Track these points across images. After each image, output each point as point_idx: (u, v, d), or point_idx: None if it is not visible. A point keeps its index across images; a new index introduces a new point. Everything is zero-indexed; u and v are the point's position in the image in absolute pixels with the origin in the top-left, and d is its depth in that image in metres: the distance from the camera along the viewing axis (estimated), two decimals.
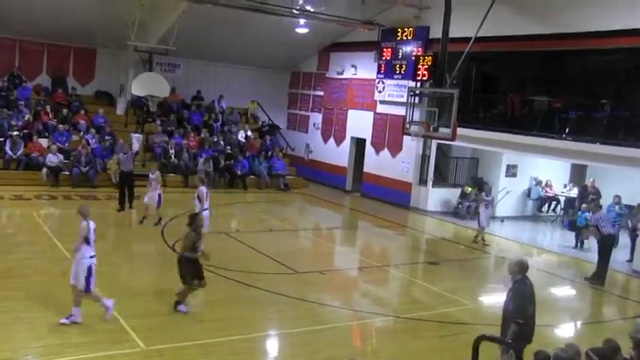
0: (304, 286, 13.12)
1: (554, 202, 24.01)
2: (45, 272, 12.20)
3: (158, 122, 25.22)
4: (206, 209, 14.85)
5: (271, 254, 15.05)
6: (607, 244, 15.33)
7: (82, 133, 23.50)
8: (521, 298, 8.01)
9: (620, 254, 17.75)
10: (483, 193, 18.60)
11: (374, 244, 19.06)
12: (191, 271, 10.65)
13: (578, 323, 13.03)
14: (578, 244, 19.01)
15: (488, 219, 18.60)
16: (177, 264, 10.76)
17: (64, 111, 24.15)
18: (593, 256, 17.41)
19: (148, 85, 23.60)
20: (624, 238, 18.31)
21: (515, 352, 5.49)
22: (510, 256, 17.25)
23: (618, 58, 18.47)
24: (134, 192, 18.38)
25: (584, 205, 19.62)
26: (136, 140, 23.98)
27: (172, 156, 23.86)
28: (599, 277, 15.23)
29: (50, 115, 23.67)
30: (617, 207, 18.78)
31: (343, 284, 14.34)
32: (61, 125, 23.15)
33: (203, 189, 15.32)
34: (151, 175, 17.22)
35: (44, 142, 22.44)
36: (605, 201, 19.58)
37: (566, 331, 12.25)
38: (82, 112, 24.64)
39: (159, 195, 16.94)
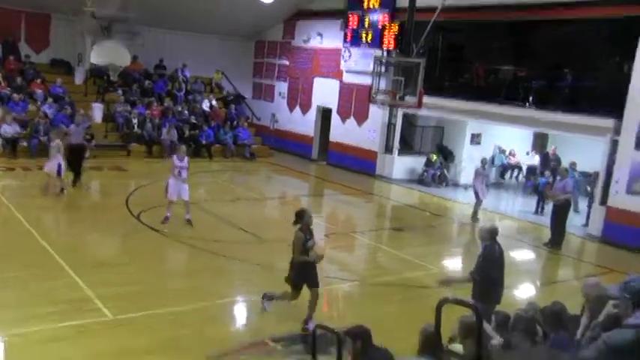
0: (272, 254, 13.16)
1: (516, 170, 24.43)
2: (5, 245, 12.04)
3: (120, 92, 24.77)
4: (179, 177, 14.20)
5: (238, 223, 15.08)
6: (566, 210, 15.67)
7: (39, 102, 22.73)
8: (484, 260, 8.32)
9: (576, 219, 18.18)
10: (480, 167, 18.06)
11: (340, 212, 19.19)
12: (303, 277, 9.36)
13: (537, 285, 13.38)
14: (539, 210, 19.35)
15: (485, 192, 17.99)
16: (290, 269, 9.49)
17: (19, 79, 23.23)
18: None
19: (108, 54, 22.94)
20: (583, 204, 18.76)
21: (478, 312, 5.60)
22: (473, 222, 17.63)
23: (582, 29, 18.68)
24: (82, 165, 17.61)
25: (546, 172, 19.97)
26: (98, 110, 23.73)
27: (135, 126, 23.59)
28: (556, 241, 15.59)
29: (3, 84, 22.82)
30: (576, 173, 19.17)
31: None
32: (16, 94, 22.34)
33: (174, 157, 14.60)
34: (51, 144, 16.40)
35: None
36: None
37: (525, 292, 12.51)
38: (38, 80, 23.70)
39: (59, 164, 16.09)
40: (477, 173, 17.93)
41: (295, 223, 9.33)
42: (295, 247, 9.27)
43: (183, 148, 14.89)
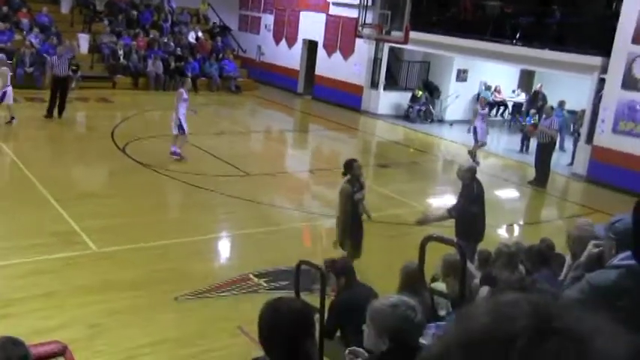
0: (256, 189, 13.23)
1: (502, 107, 24.39)
2: None
3: (106, 22, 24.29)
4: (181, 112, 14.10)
5: (223, 157, 15.05)
6: (550, 148, 15.74)
7: (24, 32, 22.34)
8: (462, 197, 8.41)
9: (562, 158, 18.31)
10: (478, 106, 17.61)
11: (325, 147, 19.18)
12: (349, 237, 8.69)
13: (520, 224, 13.53)
14: (524, 148, 19.41)
15: (485, 133, 17.42)
16: (336, 227, 8.80)
17: (4, 8, 22.78)
18: None
19: None
20: (569, 143, 18.83)
21: (462, 250, 5.67)
22: (458, 160, 17.67)
23: None
24: (66, 99, 17.31)
25: (532, 110, 19.95)
26: (84, 40, 23.34)
27: (121, 57, 23.22)
28: (540, 180, 15.69)
29: None
30: (564, 112, 19.15)
31: (294, 186, 14.50)
32: (1, 23, 21.95)
33: (180, 90, 14.46)
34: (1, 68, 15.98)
35: None
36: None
37: (508, 231, 12.68)
38: (24, 9, 23.30)
39: (3, 92, 15.79)
40: (477, 112, 17.42)
41: (344, 174, 8.80)
42: (341, 201, 8.65)
43: (189, 81, 14.65)
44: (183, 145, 14.35)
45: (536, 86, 22.45)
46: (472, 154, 17.34)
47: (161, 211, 11.19)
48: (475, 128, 17.30)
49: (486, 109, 17.71)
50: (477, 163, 16.89)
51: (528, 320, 0.90)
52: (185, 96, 14.09)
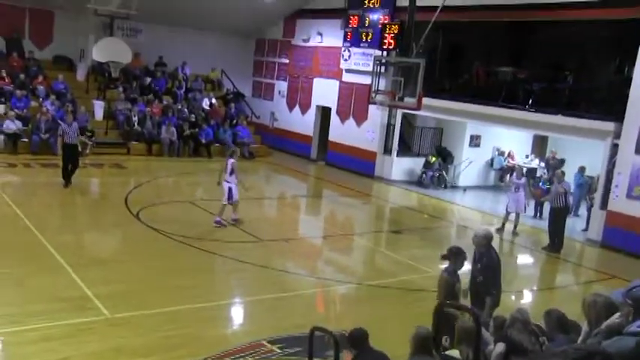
0: (269, 254, 13.19)
1: (515, 173, 24.35)
2: (4, 241, 12.01)
3: (120, 89, 24.77)
4: (227, 182, 14.58)
5: (237, 223, 15.05)
6: (563, 214, 15.63)
7: (40, 99, 22.80)
8: (492, 270, 8.30)
9: (577, 223, 18.20)
10: (514, 176, 17.45)
11: (338, 213, 19.17)
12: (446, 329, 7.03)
13: (534, 290, 13.36)
14: (538, 214, 19.32)
15: (524, 203, 17.13)
16: (434, 316, 7.13)
17: (22, 76, 23.31)
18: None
19: (110, 51, 23.10)
20: (583, 209, 18.76)
21: (477, 317, 5.61)
22: (471, 225, 17.61)
23: (582, 30, 18.63)
24: (78, 165, 17.53)
25: (544, 177, 19.97)
26: (99, 107, 23.76)
27: (135, 124, 23.56)
28: (554, 245, 15.54)
29: (6, 80, 22.91)
30: (583, 178, 19.07)
31: (307, 252, 14.44)
32: (18, 91, 22.40)
33: (231, 160, 14.83)
34: None
35: (1, 108, 21.81)
36: (567, 171, 19.89)
37: (523, 297, 12.52)
38: (41, 77, 23.82)
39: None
40: (512, 183, 17.26)
41: (444, 258, 8.17)
42: (441, 292, 7.97)
43: (239, 151, 15.04)
44: (235, 210, 14.86)
45: (548, 154, 22.47)
46: (506, 227, 17.03)
47: (174, 277, 11.12)
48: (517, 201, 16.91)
49: (523, 179, 17.30)
50: (517, 234, 16.88)
51: None
52: (235, 165, 14.62)
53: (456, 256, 8.02)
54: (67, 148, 17.13)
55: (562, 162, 21.28)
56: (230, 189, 14.49)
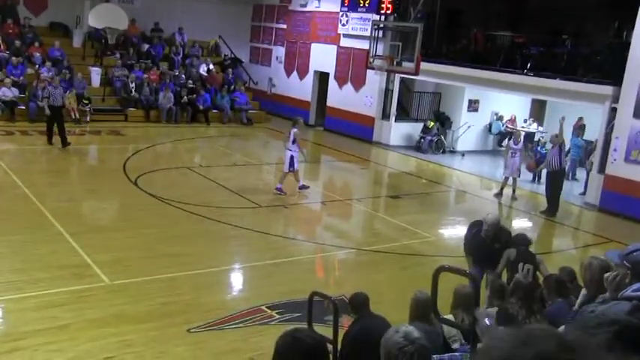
0: (268, 220, 13.24)
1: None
2: (2, 209, 12.04)
3: (117, 56, 24.59)
4: (290, 150, 14.94)
5: (235, 189, 15.08)
6: (560, 177, 15.61)
7: (37, 66, 22.59)
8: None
9: (575, 187, 18.25)
10: (512, 140, 17.19)
11: (337, 178, 19.19)
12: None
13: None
14: (536, 178, 19.32)
15: (518, 167, 16.94)
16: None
17: (17, 43, 23.05)
18: None
19: (106, 17, 22.95)
20: (581, 173, 18.76)
21: (475, 282, 5.65)
22: (470, 190, 17.68)
23: None
24: (64, 127, 17.81)
25: (542, 141, 19.92)
26: (96, 74, 23.62)
27: (133, 90, 23.44)
28: (551, 210, 15.59)
29: (2, 47, 22.68)
30: (580, 141, 19.03)
31: (306, 218, 14.50)
32: (14, 58, 22.18)
33: (294, 130, 15.15)
34: None
35: None
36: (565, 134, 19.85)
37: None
38: (37, 44, 23.53)
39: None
40: (510, 148, 17.04)
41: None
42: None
43: (302, 121, 15.69)
44: (297, 178, 15.31)
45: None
46: (503, 191, 17.05)
47: (172, 244, 11.17)
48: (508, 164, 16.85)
49: (520, 144, 17.05)
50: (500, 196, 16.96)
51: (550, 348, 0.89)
52: (297, 135, 15.04)
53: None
54: (52, 109, 17.63)
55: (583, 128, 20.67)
56: (292, 157, 14.81)
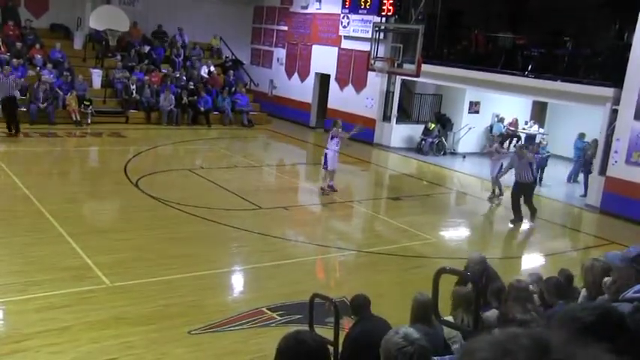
0: (268, 222, 13.23)
1: (514, 139, 24.31)
2: (3, 210, 12.04)
3: (118, 57, 24.60)
4: (327, 149, 15.44)
5: (235, 190, 15.08)
6: (530, 190, 14.79)
7: (38, 68, 22.57)
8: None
9: (576, 189, 18.24)
10: (499, 145, 17.19)
11: (338, 180, 19.10)
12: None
13: (534, 255, 13.43)
14: (537, 181, 19.27)
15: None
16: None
17: (18, 44, 23.05)
18: (550, 191, 17.90)
19: (107, 19, 22.94)
20: (581, 175, 18.76)
21: (475, 283, 5.64)
22: (471, 192, 17.66)
23: None
24: (16, 119, 18.65)
25: (542, 143, 19.90)
26: (97, 76, 23.64)
27: (133, 92, 23.44)
28: (517, 219, 14.73)
29: (2, 49, 22.63)
30: (581, 143, 18.98)
31: (307, 219, 14.49)
32: (15, 59, 22.09)
33: (332, 130, 15.58)
34: None
35: None
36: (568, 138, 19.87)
37: (523, 264, 12.60)
38: (38, 45, 23.51)
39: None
40: (495, 151, 16.97)
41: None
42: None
43: (340, 122, 15.99)
44: (331, 178, 15.84)
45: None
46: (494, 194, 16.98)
47: (173, 245, 11.17)
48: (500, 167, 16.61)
49: (495, 145, 17.21)
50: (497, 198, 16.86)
51: (528, 354, 0.89)
52: (341, 136, 15.45)
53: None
54: (3, 100, 18.63)
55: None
56: (325, 155, 15.35)
